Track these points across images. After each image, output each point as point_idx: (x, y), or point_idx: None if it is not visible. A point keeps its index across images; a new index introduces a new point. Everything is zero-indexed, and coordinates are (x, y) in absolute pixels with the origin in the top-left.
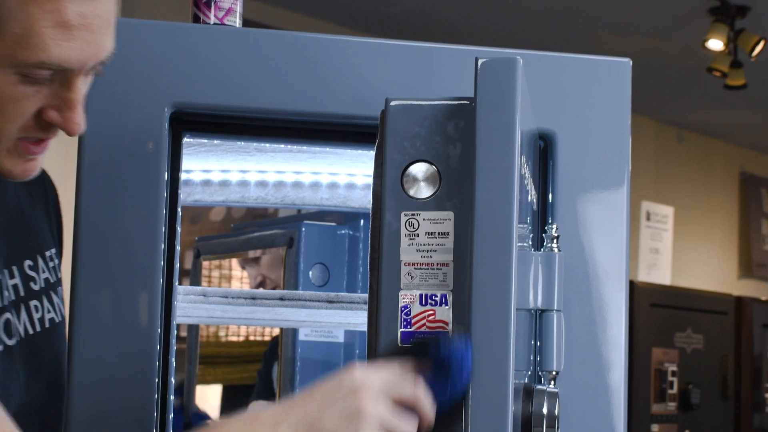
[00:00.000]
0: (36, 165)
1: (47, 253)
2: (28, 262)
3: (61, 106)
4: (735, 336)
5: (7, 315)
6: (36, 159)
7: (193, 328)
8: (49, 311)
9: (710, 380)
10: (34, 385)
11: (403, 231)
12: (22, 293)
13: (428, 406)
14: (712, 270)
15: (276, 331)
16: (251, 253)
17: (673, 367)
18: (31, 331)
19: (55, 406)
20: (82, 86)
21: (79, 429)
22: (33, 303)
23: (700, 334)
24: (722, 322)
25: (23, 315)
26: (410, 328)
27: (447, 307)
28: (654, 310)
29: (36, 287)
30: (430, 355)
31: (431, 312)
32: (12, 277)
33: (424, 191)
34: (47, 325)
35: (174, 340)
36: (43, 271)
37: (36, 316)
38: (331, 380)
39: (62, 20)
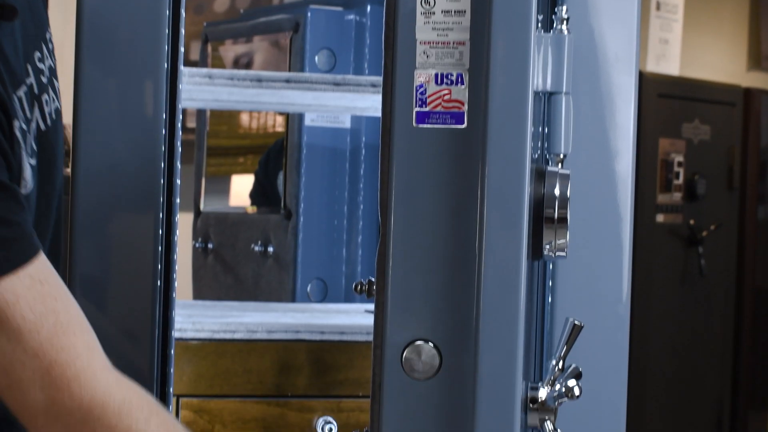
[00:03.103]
0: None
1: (47, 36)
2: (37, 54)
3: None
4: (742, 127)
5: (33, 124)
6: None
7: (202, 115)
8: (54, 100)
9: (716, 171)
10: (45, 180)
11: (419, 9)
12: (36, 91)
13: None
14: (721, 61)
15: (281, 129)
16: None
17: (679, 158)
18: (43, 128)
19: (53, 193)
20: None
21: (86, 218)
22: (44, 97)
23: (707, 125)
24: (730, 113)
25: (36, 113)
26: (425, 107)
27: (463, 87)
28: (662, 100)
29: (44, 79)
30: None
31: (447, 91)
32: (28, 76)
33: None
34: (54, 116)
35: (179, 125)
36: (47, 59)
37: (47, 110)
38: None
39: None
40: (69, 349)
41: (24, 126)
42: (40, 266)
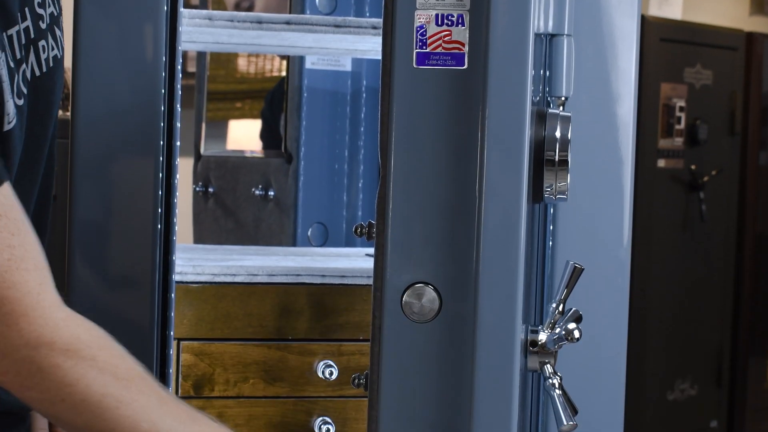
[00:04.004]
0: None
1: None
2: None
3: None
4: (744, 72)
5: (24, 66)
6: None
7: (202, 58)
8: (53, 48)
9: (718, 116)
10: (36, 124)
11: None
12: (32, 35)
13: None
14: (723, 6)
15: (284, 71)
16: None
17: (681, 103)
18: (37, 73)
19: (45, 139)
20: None
21: (86, 162)
22: (41, 43)
23: (709, 69)
24: (732, 57)
25: (31, 58)
26: (426, 49)
27: (464, 28)
28: (664, 45)
29: (43, 25)
30: None
31: (447, 32)
32: (24, 20)
33: None
34: (51, 64)
35: (179, 67)
36: (49, 6)
37: (43, 56)
38: None
39: None
40: (20, 285)
41: (12, 64)
42: (2, 198)
